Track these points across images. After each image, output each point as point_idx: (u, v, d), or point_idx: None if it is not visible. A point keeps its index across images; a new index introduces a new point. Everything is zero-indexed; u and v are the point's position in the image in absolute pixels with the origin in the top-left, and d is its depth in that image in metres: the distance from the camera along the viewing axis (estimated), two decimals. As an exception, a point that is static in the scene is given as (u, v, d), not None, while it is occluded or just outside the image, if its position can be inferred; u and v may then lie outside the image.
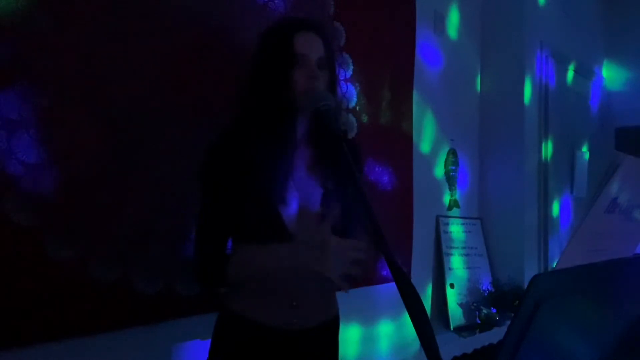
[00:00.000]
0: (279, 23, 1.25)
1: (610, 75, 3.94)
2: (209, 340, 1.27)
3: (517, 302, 2.64)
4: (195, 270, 1.24)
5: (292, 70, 1.17)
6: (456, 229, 2.81)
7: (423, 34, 2.56)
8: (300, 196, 1.21)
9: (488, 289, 2.77)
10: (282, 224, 1.17)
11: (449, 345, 2.45)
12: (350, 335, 2.13)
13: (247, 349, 1.20)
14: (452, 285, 2.68)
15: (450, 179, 2.79)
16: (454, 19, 2.85)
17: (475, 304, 2.70)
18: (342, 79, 2.07)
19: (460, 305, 2.69)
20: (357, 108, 2.13)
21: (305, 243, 1.14)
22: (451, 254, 2.73)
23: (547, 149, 3.12)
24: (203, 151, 1.20)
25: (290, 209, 1.19)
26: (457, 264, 2.75)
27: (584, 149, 3.57)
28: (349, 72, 2.10)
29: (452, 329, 2.58)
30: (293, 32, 1.19)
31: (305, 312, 1.20)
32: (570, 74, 3.44)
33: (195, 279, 1.29)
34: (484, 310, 2.64)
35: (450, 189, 2.81)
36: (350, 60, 2.10)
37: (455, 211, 2.83)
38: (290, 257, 1.15)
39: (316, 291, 1.22)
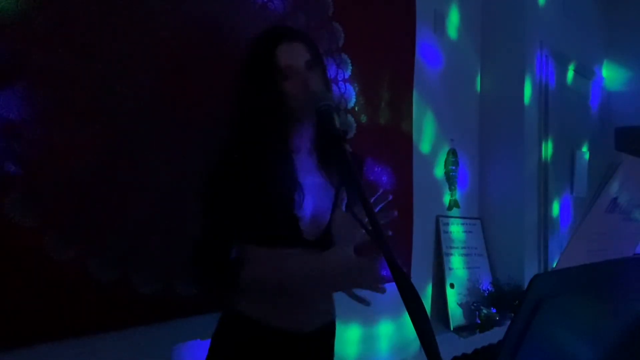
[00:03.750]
0: (258, 40, 1.23)
1: (610, 75, 3.94)
2: (209, 340, 1.27)
3: (517, 302, 2.64)
4: (200, 272, 1.22)
5: (282, 84, 1.16)
6: (456, 229, 2.81)
7: (423, 34, 2.55)
8: (312, 200, 1.21)
9: (488, 289, 2.77)
10: (297, 228, 1.18)
11: (449, 345, 2.45)
12: (350, 335, 2.13)
13: (247, 349, 1.20)
14: (452, 285, 2.68)
15: (450, 179, 2.79)
16: (454, 19, 2.85)
17: (475, 304, 2.70)
18: (340, 79, 2.07)
19: (460, 305, 2.69)
20: (356, 108, 2.13)
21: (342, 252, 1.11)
22: (451, 254, 2.73)
23: (547, 149, 3.12)
24: (213, 160, 1.20)
25: (304, 213, 1.19)
26: (457, 264, 2.75)
27: (584, 149, 3.57)
28: (348, 73, 2.10)
29: (452, 329, 2.58)
30: (273, 47, 1.17)
31: (305, 316, 1.20)
32: (570, 74, 3.44)
33: (197, 280, 1.28)
34: (484, 310, 2.64)
35: (450, 189, 2.81)
36: (349, 61, 2.10)
37: (455, 211, 2.83)
38: (321, 266, 1.12)
39: (318, 296, 1.22)
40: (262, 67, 1.17)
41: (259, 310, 1.19)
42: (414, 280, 0.88)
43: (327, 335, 1.29)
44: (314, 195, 1.21)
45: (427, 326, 0.72)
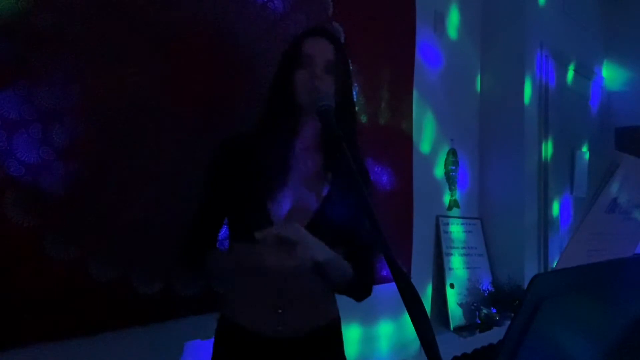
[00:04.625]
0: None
1: (610, 75, 3.94)
2: (210, 340, 1.27)
3: (517, 302, 2.64)
4: (180, 252, 1.28)
5: (296, 70, 1.18)
6: (456, 229, 2.81)
7: (423, 34, 2.55)
8: (295, 197, 1.20)
9: (488, 289, 2.77)
10: (270, 223, 1.15)
11: (449, 345, 2.45)
12: (350, 335, 2.13)
13: (240, 355, 1.18)
14: (452, 285, 2.68)
15: (450, 179, 2.79)
16: (454, 19, 2.85)
17: (475, 304, 2.70)
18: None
19: (460, 305, 2.69)
20: (356, 108, 2.13)
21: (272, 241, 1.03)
22: (451, 254, 2.73)
23: (547, 149, 3.12)
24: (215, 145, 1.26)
25: (282, 210, 1.18)
26: (457, 264, 2.75)
27: (584, 149, 3.57)
28: (349, 72, 2.10)
29: (452, 329, 2.58)
30: (305, 36, 1.22)
31: (293, 319, 1.16)
32: (570, 74, 3.44)
33: (179, 260, 1.32)
34: (484, 310, 2.64)
35: (450, 189, 2.81)
36: (348, 61, 2.09)
37: (455, 211, 2.83)
38: (252, 256, 1.09)
39: (304, 297, 1.18)
40: (288, 51, 1.23)
41: (234, 311, 1.21)
42: (414, 280, 0.88)
43: (323, 341, 1.23)
44: (300, 192, 1.20)
45: (427, 326, 0.72)
